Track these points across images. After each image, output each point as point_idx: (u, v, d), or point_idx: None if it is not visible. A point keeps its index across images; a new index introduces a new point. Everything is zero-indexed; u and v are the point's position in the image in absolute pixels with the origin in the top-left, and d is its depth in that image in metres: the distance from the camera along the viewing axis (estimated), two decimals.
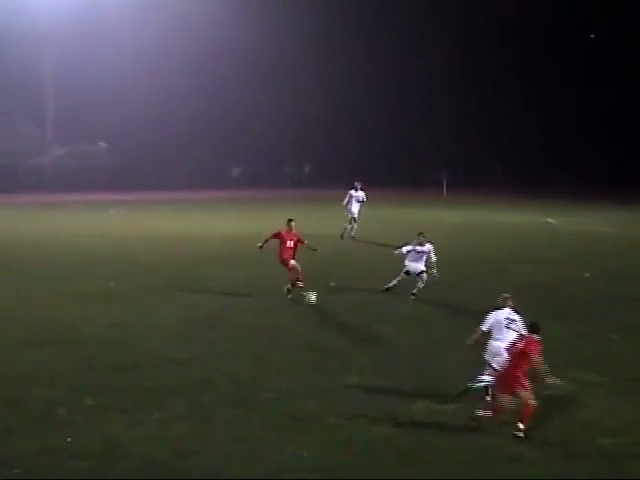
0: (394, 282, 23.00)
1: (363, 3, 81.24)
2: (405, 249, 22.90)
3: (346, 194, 37.28)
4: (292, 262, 22.29)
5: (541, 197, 65.98)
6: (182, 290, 23.75)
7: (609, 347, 17.44)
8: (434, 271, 22.64)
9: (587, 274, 27.07)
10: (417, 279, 22.61)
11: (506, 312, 14.03)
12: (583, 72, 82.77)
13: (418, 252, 22.60)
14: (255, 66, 79.18)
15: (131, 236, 37.51)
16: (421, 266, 22.64)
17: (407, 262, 22.77)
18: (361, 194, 37.04)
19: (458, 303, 21.53)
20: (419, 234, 22.96)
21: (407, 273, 22.81)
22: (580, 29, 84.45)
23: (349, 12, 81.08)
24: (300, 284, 22.11)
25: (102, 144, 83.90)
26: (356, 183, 37.36)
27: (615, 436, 12.34)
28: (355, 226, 36.43)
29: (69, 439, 12.03)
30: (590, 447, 11.91)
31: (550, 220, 47.53)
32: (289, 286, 22.23)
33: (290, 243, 22.44)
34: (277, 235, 22.78)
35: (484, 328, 13.92)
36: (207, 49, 75.78)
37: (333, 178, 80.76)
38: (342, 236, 35.84)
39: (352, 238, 35.90)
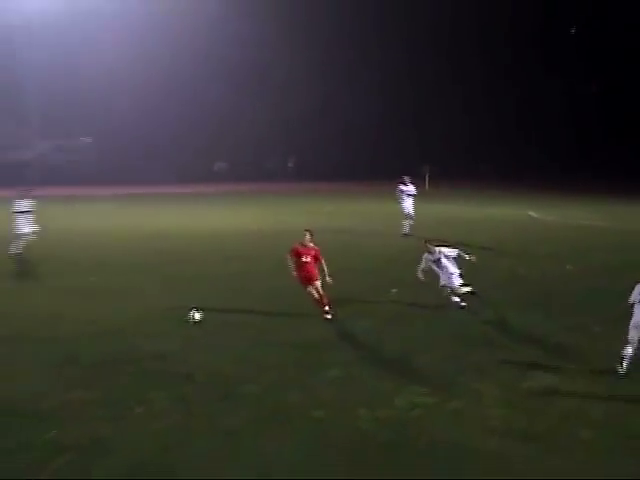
0: (457, 300, 20.41)
1: (347, 3, 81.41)
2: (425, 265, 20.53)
3: (396, 190, 37.03)
4: (317, 283, 19.31)
5: (525, 189, 66.14)
6: (162, 286, 23.76)
7: (590, 339, 17.50)
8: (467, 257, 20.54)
9: (569, 266, 27.17)
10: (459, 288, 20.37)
11: None
12: (567, 64, 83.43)
13: (435, 260, 20.35)
14: (240, 63, 79.39)
15: (114, 231, 37.62)
16: (453, 274, 20.30)
17: (441, 277, 20.40)
18: (412, 188, 36.77)
19: (440, 298, 21.42)
20: (425, 241, 20.91)
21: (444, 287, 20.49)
22: (562, 25, 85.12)
23: (332, 11, 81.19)
24: (327, 315, 19.30)
25: (85, 139, 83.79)
26: (405, 177, 37.10)
27: (596, 428, 12.37)
28: (411, 222, 36.00)
29: (52, 433, 12.00)
30: (573, 440, 11.92)
31: (532, 213, 47.70)
32: (326, 311, 19.41)
33: (307, 258, 19.36)
34: (292, 252, 19.55)
35: (631, 300, 14.76)
36: (194, 47, 75.98)
37: (316, 172, 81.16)
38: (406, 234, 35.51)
39: (405, 235, 35.41)
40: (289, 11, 78.31)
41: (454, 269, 20.40)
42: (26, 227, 28.75)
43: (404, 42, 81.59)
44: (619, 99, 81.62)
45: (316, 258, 19.47)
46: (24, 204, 29.30)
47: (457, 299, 20.53)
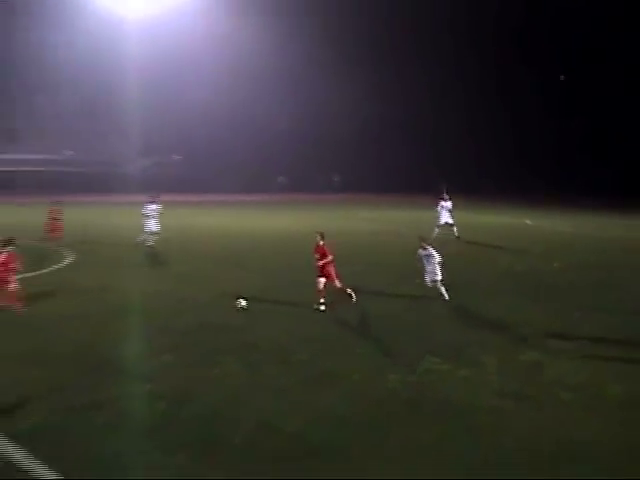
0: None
1: (381, 33, 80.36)
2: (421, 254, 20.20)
3: (437, 204, 35.56)
4: (320, 279, 18.43)
5: (522, 203, 65.47)
6: (232, 274, 23.93)
7: (572, 322, 17.36)
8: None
9: (556, 264, 26.90)
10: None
11: None
12: (556, 104, 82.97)
13: (426, 255, 20.01)
14: (298, 99, 79.70)
15: (198, 230, 37.99)
16: (436, 266, 19.86)
17: (427, 268, 20.07)
18: (449, 203, 35.37)
19: (455, 284, 21.00)
20: (421, 240, 20.53)
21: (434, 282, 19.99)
22: (553, 71, 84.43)
23: (366, 40, 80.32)
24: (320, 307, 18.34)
25: (175, 157, 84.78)
26: (445, 195, 35.53)
27: (575, 391, 12.34)
28: (455, 228, 34.61)
29: (148, 387, 12.23)
30: (556, 401, 11.89)
31: (527, 221, 47.20)
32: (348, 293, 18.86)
33: (316, 255, 18.59)
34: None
35: None
36: (264, 83, 76.37)
37: (356, 185, 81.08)
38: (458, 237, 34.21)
39: (457, 238, 33.93)
40: (331, 42, 77.29)
41: (436, 265, 20.02)
42: (153, 227, 29.26)
43: (423, 75, 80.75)
44: (597, 132, 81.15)
45: (323, 256, 18.41)
46: (151, 207, 29.74)
47: (443, 291, 19.92)
